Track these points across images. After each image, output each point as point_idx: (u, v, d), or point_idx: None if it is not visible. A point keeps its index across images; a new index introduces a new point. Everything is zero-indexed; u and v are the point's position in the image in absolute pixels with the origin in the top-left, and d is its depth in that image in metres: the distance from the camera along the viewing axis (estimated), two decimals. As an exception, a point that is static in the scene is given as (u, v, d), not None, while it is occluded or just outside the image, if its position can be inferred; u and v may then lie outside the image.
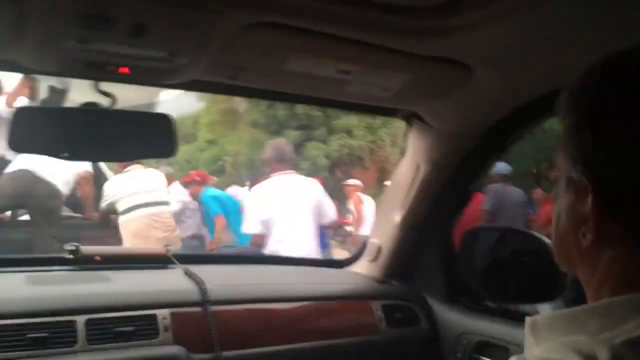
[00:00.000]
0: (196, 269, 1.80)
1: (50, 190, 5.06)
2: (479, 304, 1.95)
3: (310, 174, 15.38)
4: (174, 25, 1.06)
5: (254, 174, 16.15)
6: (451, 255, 1.93)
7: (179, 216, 6.55)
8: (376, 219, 2.06)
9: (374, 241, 2.00)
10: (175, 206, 6.39)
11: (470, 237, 2.00)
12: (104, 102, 1.36)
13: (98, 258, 1.83)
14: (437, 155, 1.68)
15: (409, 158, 1.78)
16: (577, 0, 1.00)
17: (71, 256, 1.81)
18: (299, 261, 2.25)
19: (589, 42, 1.12)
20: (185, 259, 1.94)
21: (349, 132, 16.91)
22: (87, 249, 1.84)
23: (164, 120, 1.40)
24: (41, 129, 1.30)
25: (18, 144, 1.28)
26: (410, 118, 1.67)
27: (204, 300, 1.63)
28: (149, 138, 1.39)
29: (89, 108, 1.33)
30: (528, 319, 0.67)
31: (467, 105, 1.48)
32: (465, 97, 1.44)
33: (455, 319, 1.88)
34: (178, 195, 6.95)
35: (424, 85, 1.40)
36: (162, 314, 1.56)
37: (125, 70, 1.25)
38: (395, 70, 1.33)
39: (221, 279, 1.78)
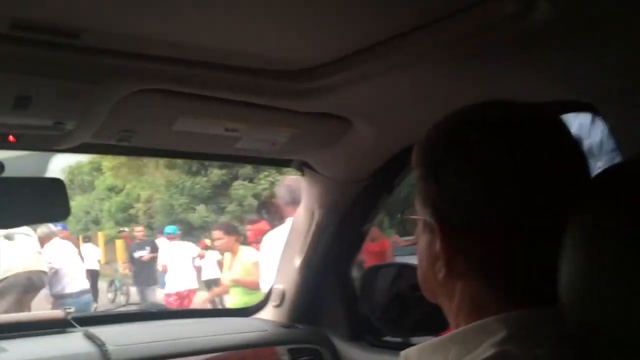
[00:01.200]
0: (97, 330, 1.77)
1: None
2: (381, 340, 2.04)
3: (237, 216, 14.89)
4: (58, 96, 1.10)
5: (173, 221, 15.36)
6: (352, 295, 2.02)
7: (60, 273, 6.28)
8: (279, 265, 2.12)
9: (278, 286, 2.05)
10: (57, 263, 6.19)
11: (370, 274, 2.10)
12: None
13: (-13, 327, 1.75)
14: (329, 200, 1.78)
15: (304, 204, 1.87)
16: (436, 62, 1.13)
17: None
18: (204, 313, 2.26)
19: (445, 97, 1.26)
20: (85, 320, 1.90)
21: (278, 170, 15.22)
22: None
23: (55, 184, 1.41)
24: None
25: None
26: (303, 167, 1.77)
27: None
28: (41, 202, 1.39)
29: None
30: (402, 353, 0.74)
31: (351, 153, 1.59)
32: (348, 146, 1.55)
33: (361, 357, 1.96)
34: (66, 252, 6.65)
35: (308, 137, 1.50)
36: None
37: (11, 138, 1.26)
38: (281, 126, 1.42)
39: (123, 339, 1.76)
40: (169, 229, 9.98)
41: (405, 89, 1.27)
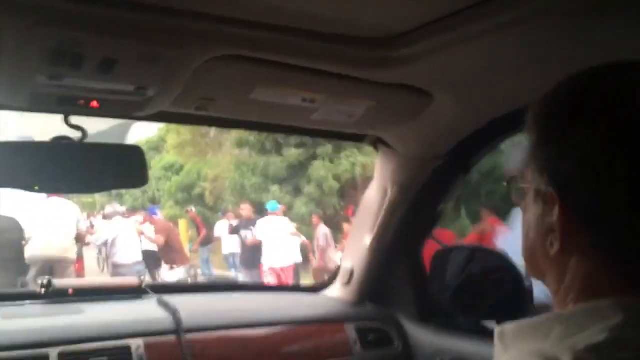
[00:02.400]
0: (170, 299, 1.81)
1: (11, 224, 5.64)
2: (452, 323, 1.99)
3: (315, 199, 14.48)
4: (141, 60, 1.10)
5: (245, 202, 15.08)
6: (422, 276, 1.97)
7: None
8: (348, 243, 2.09)
9: (347, 265, 2.03)
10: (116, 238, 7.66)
11: (441, 256, 2.04)
12: (75, 135, 1.40)
13: (71, 291, 1.83)
14: (403, 178, 1.73)
15: (377, 182, 1.83)
16: (527, 27, 1.06)
17: (43, 290, 1.81)
18: (275, 288, 2.27)
19: (539, 65, 1.18)
20: (159, 289, 1.95)
21: (359, 148, 13.87)
22: (59, 282, 1.84)
23: (134, 152, 1.44)
24: (13, 163, 1.32)
25: None
26: (377, 143, 1.73)
27: (178, 329, 1.64)
28: (120, 169, 1.42)
29: (61, 142, 1.36)
30: (497, 329, 0.69)
31: (429, 129, 1.54)
32: (427, 121, 1.49)
33: (428, 339, 1.92)
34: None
35: (386, 111, 1.45)
36: (136, 343, 1.56)
37: (95, 104, 1.28)
38: (358, 98, 1.38)
39: (195, 307, 1.80)
40: (272, 205, 9.74)
41: (492, 58, 1.20)
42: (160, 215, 9.81)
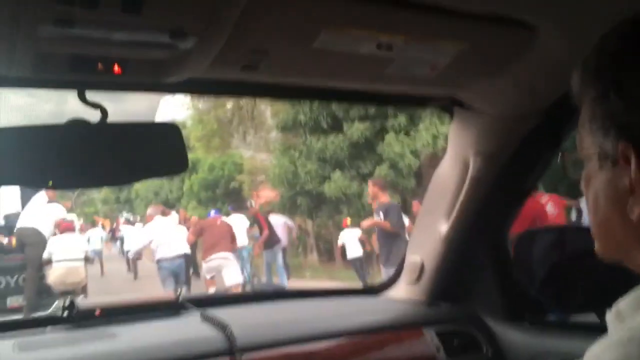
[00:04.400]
0: (214, 312, 1.53)
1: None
2: (545, 319, 1.69)
3: (390, 181, 11.47)
4: None
5: (297, 193, 13.15)
6: (508, 266, 1.67)
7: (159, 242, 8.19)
8: (415, 233, 1.79)
9: (415, 259, 1.73)
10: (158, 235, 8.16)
11: (524, 241, 1.75)
12: (92, 116, 1.12)
13: (98, 312, 1.55)
14: (489, 146, 1.43)
15: (453, 155, 1.53)
16: None
17: (66, 313, 1.53)
18: (328, 292, 1.97)
19: None
20: (199, 302, 1.67)
21: (440, 117, 11.04)
22: (84, 302, 1.56)
23: (169, 131, 1.15)
24: (20, 154, 1.04)
25: None
26: (452, 105, 1.43)
27: (232, 348, 1.35)
28: (152, 154, 1.14)
29: (76, 125, 1.08)
30: (611, 311, 0.62)
31: (528, 78, 1.24)
32: (527, 67, 1.20)
33: (522, 340, 1.61)
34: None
35: (478, 55, 1.16)
36: None
37: (117, 69, 1.00)
38: (447, 39, 1.09)
39: (246, 321, 1.51)
40: None
41: None
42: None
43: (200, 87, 1.22)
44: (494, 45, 1.13)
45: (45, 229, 7.36)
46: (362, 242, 10.80)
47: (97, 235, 16.30)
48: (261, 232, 10.59)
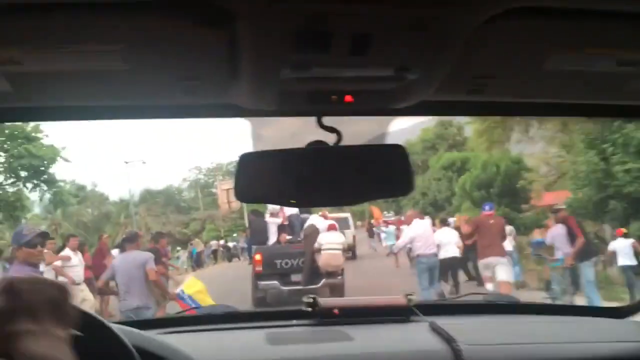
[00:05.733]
0: (442, 322, 1.55)
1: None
2: None
3: None
4: (401, 31, 0.86)
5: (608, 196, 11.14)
6: None
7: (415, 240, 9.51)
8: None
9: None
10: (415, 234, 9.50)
11: None
12: (328, 139, 1.22)
13: (336, 311, 1.69)
14: None
15: None
16: None
17: (309, 309, 1.70)
18: (565, 310, 1.84)
19: None
20: (428, 309, 1.70)
21: None
22: (325, 301, 1.71)
23: (397, 152, 1.20)
24: (266, 174, 1.19)
25: (244, 194, 1.18)
26: None
27: None
28: (382, 174, 1.20)
29: (315, 147, 1.19)
30: None
31: None
32: None
33: None
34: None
35: None
36: None
37: (349, 98, 1.08)
38: None
39: (475, 336, 1.50)
40: None
41: None
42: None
43: (426, 109, 1.25)
44: None
45: (320, 227, 10.25)
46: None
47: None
48: (573, 239, 8.60)
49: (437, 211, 19.27)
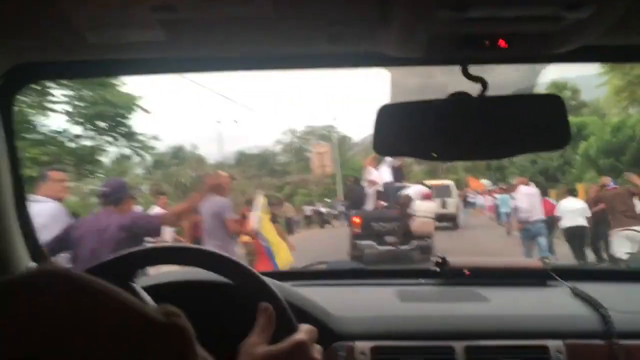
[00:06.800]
0: (584, 288, 1.45)
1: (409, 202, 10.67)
2: None
3: None
4: None
5: None
6: None
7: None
8: None
9: None
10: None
11: None
12: (473, 90, 1.15)
13: (467, 272, 1.63)
14: None
15: None
16: None
17: (438, 269, 1.66)
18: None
19: None
20: (567, 274, 1.60)
21: None
22: (454, 261, 1.66)
23: (552, 103, 1.10)
24: (405, 127, 1.15)
25: (382, 147, 1.14)
26: None
27: (610, 333, 1.26)
28: (534, 127, 1.11)
29: (458, 98, 1.12)
30: None
31: None
32: None
33: None
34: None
35: None
36: (556, 346, 1.25)
37: (502, 43, 1.00)
38: None
39: (624, 303, 1.38)
40: None
41: None
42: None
43: (588, 55, 1.13)
44: None
45: (414, 195, 10.84)
46: None
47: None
48: None
49: (548, 181, 17.99)
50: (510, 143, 1.12)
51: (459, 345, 1.25)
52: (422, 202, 10.90)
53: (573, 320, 1.32)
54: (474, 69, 1.16)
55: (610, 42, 1.02)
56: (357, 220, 10.90)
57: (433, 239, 10.84)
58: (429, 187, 12.55)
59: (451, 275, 1.63)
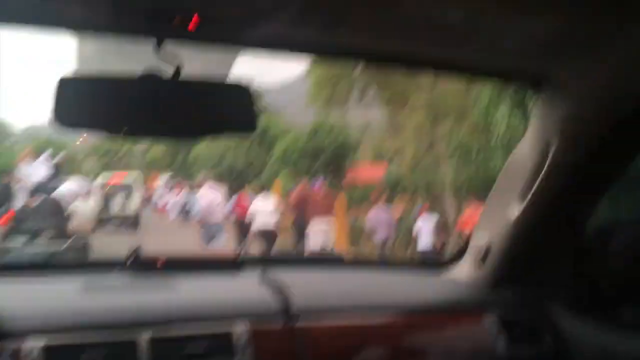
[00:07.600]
0: (276, 275, 1.53)
1: None
2: (620, 316, 1.59)
3: None
4: None
5: None
6: (584, 256, 1.57)
7: None
8: (484, 213, 1.72)
9: (481, 240, 1.66)
10: None
11: (602, 233, 1.65)
12: (166, 70, 1.11)
13: (160, 262, 1.58)
14: (576, 128, 1.32)
15: (534, 137, 1.44)
16: None
17: (130, 260, 1.57)
18: (390, 263, 1.94)
19: None
20: (260, 262, 1.67)
21: None
22: (147, 252, 1.59)
23: (241, 90, 1.13)
24: (91, 101, 1.05)
25: (62, 119, 1.02)
26: (541, 84, 1.33)
27: (288, 311, 1.34)
28: (224, 113, 1.12)
29: (149, 78, 1.07)
30: None
31: (627, 59, 1.12)
32: (627, 47, 1.09)
33: (590, 336, 1.53)
34: None
35: (576, 32, 1.06)
36: (239, 331, 1.28)
37: (196, 19, 0.98)
38: (545, 12, 1.00)
39: (305, 287, 1.50)
40: None
41: None
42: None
43: (272, 44, 1.17)
44: (592, 22, 1.02)
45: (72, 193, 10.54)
46: None
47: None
48: None
49: (238, 178, 18.21)
50: (199, 126, 1.11)
51: (143, 338, 1.20)
52: (81, 202, 10.94)
53: (258, 302, 1.38)
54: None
55: (298, 32, 1.07)
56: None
57: (91, 237, 10.50)
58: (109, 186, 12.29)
59: (143, 266, 1.56)
